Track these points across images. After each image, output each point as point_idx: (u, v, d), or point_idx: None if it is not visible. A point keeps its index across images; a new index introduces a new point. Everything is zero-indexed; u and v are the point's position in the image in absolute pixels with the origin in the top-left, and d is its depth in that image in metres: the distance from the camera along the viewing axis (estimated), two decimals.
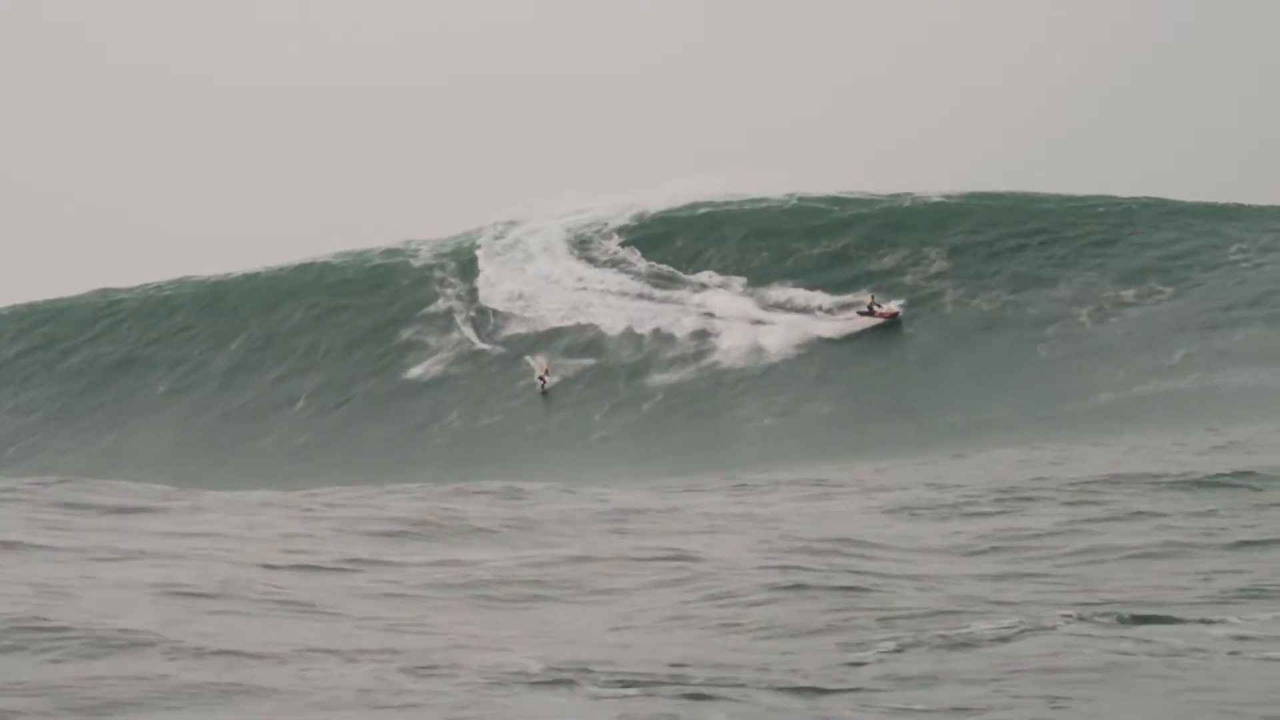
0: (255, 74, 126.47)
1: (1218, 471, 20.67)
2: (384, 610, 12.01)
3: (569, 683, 9.62)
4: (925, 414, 43.47)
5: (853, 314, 51.00)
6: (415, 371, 55.31)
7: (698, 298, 55.12)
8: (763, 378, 49.76)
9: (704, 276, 55.98)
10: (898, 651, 10.64)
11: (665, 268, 57.04)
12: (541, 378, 51.60)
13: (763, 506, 20.37)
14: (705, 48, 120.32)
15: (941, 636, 11.24)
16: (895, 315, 50.41)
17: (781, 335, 51.52)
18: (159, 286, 65.60)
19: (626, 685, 9.53)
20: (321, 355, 57.78)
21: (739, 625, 11.49)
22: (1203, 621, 12.08)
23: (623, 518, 17.96)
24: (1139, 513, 18.24)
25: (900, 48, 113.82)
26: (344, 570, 13.66)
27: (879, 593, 12.99)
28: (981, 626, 11.49)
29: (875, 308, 50.71)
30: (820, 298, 52.84)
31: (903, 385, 47.04)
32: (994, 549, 15.90)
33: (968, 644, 11.05)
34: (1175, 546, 15.92)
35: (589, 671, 9.91)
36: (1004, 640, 11.18)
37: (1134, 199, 54.20)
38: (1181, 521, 17.40)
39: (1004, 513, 18.75)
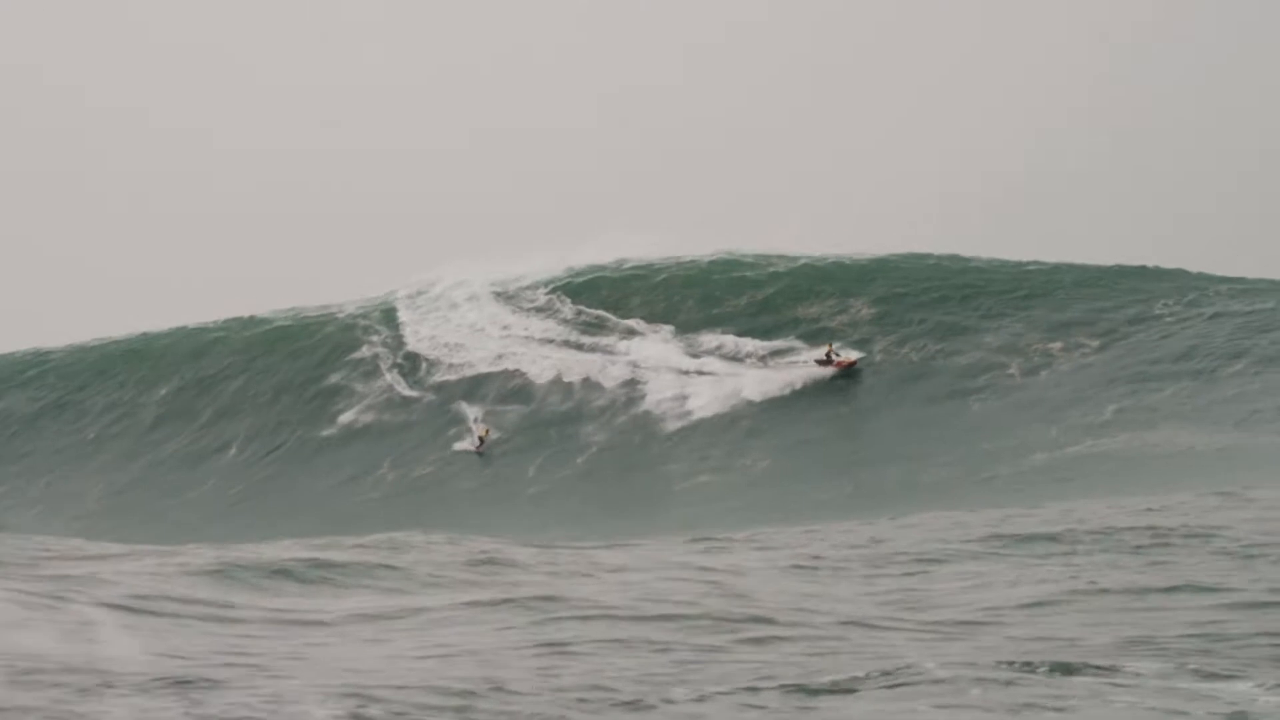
0: (188, 122, 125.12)
1: (1141, 540, 19.56)
2: (180, 644, 10.99)
3: (339, 706, 8.66)
4: (862, 472, 42.89)
5: (810, 362, 50.38)
6: (346, 418, 54.71)
7: (625, 345, 54.30)
8: (696, 430, 49.31)
9: (633, 323, 55.07)
10: (698, 701, 9.58)
11: (594, 312, 56.31)
12: (481, 438, 50.16)
13: (650, 560, 19.29)
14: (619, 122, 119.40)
15: (782, 686, 10.15)
16: (853, 364, 49.88)
17: (715, 386, 50.67)
18: (86, 343, 64.45)
19: (398, 713, 8.60)
20: (250, 400, 56.59)
21: (553, 669, 10.43)
22: (1086, 668, 11.12)
23: (495, 570, 16.83)
24: (1050, 569, 17.21)
25: (849, 143, 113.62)
26: (155, 612, 12.64)
27: (727, 645, 11.91)
28: (822, 679, 10.41)
29: (834, 356, 50.19)
30: (750, 344, 52.07)
31: (837, 440, 46.68)
32: (885, 604, 14.81)
33: (798, 692, 9.97)
34: (1079, 596, 14.89)
35: (370, 699, 8.95)
36: (847, 691, 10.16)
37: (1062, 263, 53.89)
38: (1091, 575, 16.39)
39: (912, 573, 17.68)
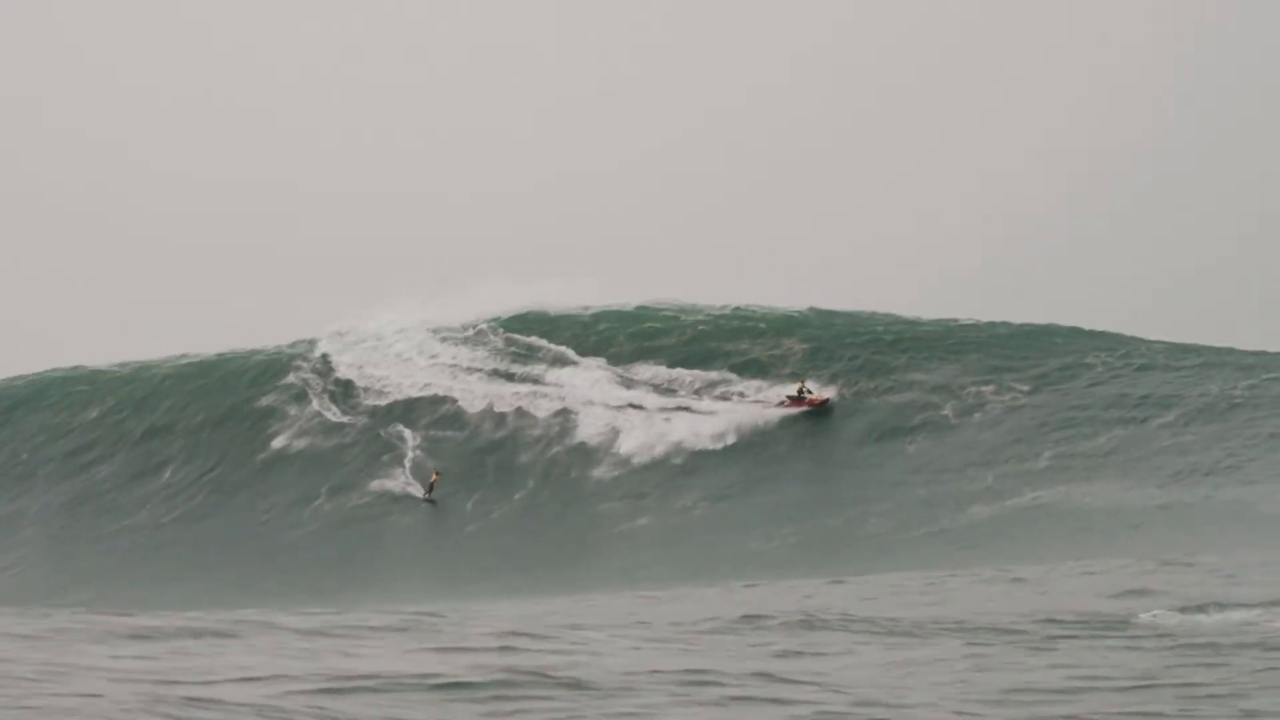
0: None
1: (1047, 630, 17.47)
2: None
3: None
4: (802, 522, 41.85)
5: (783, 399, 48.49)
6: (279, 443, 53.33)
7: (557, 374, 52.92)
8: (633, 471, 48.35)
9: (565, 351, 53.82)
10: None
11: (526, 341, 55.21)
12: (431, 484, 48.62)
13: (508, 626, 17.90)
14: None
15: None
16: (826, 402, 48.02)
17: (650, 424, 49.33)
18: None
19: None
20: (183, 422, 55.84)
21: None
22: None
23: (309, 640, 15.06)
24: (929, 651, 15.15)
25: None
26: None
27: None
28: None
29: (806, 394, 48.29)
30: (687, 375, 50.84)
31: (775, 482, 45.90)
32: (685, 683, 12.53)
33: None
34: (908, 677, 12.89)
35: None
36: None
37: (996, 320, 52.74)
38: (952, 663, 14.21)
39: (782, 646, 15.52)
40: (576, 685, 11.56)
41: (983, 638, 16.48)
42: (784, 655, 14.25)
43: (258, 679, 11.09)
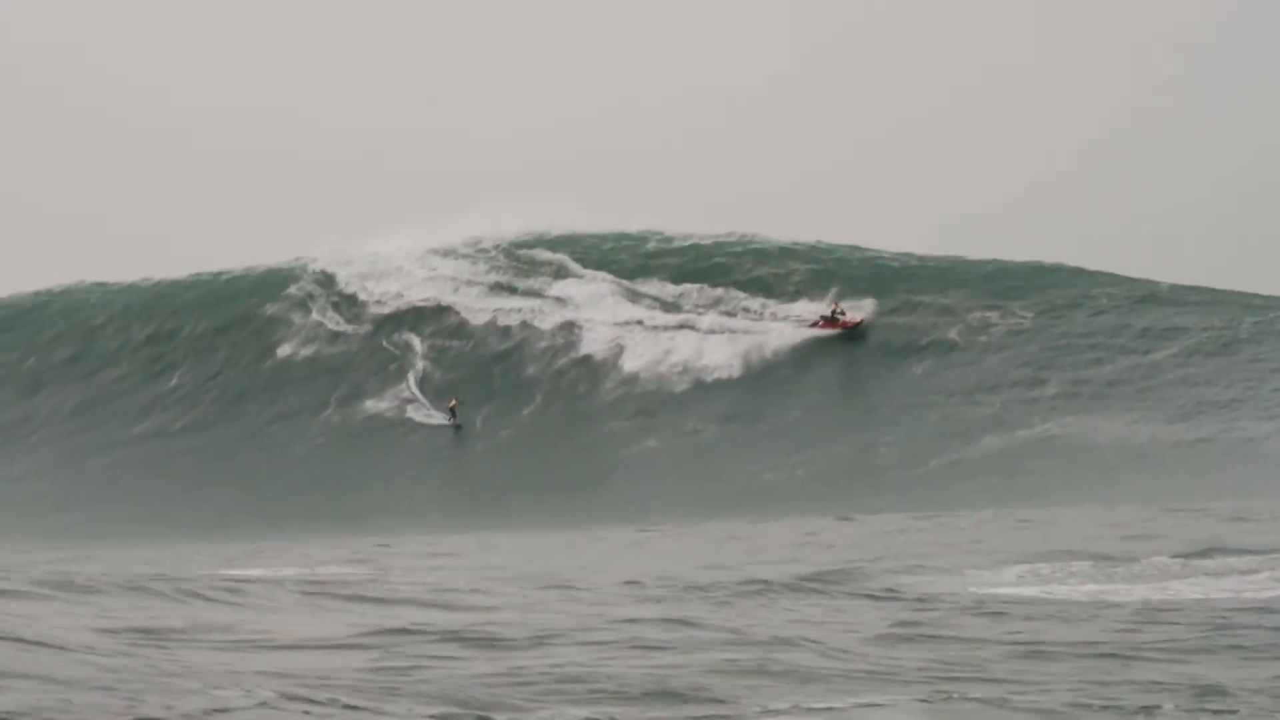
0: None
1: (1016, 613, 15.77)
2: None
3: None
4: (811, 447, 41.48)
5: (816, 319, 46.89)
6: (284, 351, 52.93)
7: (562, 285, 51.77)
8: (640, 388, 47.53)
9: (569, 263, 52.72)
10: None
11: (529, 254, 54.09)
12: (453, 409, 47.60)
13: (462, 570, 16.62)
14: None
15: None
16: (860, 324, 46.23)
17: (654, 343, 48.50)
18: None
19: None
20: (189, 331, 55.41)
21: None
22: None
23: (218, 593, 13.90)
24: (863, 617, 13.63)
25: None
26: None
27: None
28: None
29: (839, 315, 46.52)
30: (693, 290, 49.52)
31: (783, 405, 44.90)
32: (598, 631, 11.36)
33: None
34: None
35: None
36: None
37: (998, 258, 51.21)
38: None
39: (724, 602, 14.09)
40: (487, 642, 10.56)
41: (941, 597, 15.22)
42: (723, 606, 13.28)
43: (117, 630, 10.13)
